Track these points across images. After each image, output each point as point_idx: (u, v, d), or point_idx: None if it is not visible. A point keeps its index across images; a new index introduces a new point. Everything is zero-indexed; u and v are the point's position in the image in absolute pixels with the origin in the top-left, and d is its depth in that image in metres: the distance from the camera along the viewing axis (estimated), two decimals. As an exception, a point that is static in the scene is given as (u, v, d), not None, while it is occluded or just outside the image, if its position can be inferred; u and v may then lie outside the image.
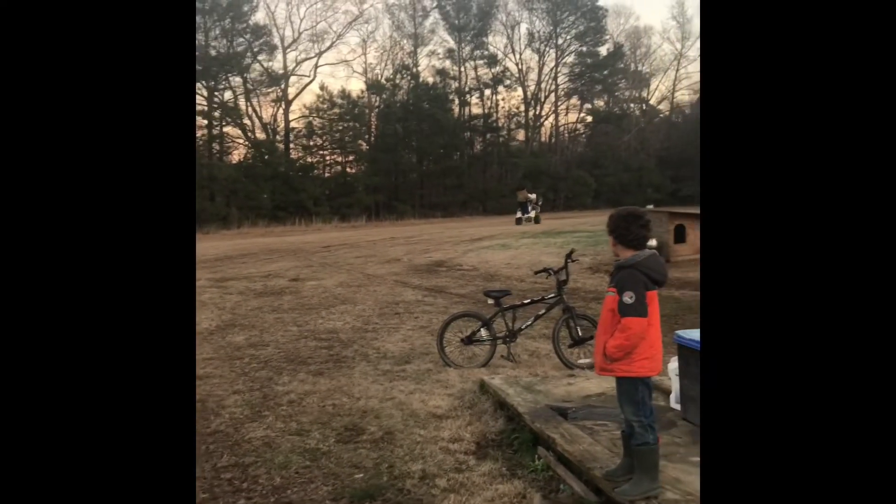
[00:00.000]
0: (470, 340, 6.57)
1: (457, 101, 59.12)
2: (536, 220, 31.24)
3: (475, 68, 60.50)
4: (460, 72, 60.15)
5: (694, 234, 15.32)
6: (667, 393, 4.77)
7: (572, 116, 66.00)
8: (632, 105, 66.83)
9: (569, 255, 6.61)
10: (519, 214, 31.96)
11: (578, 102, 65.28)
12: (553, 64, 62.97)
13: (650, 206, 41.91)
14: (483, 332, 6.52)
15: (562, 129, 65.84)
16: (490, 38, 61.22)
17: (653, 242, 14.81)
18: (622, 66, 64.18)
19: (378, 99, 56.19)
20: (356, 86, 58.04)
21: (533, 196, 33.26)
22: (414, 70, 57.49)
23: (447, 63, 59.78)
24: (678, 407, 4.46)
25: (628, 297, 3.15)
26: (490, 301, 6.68)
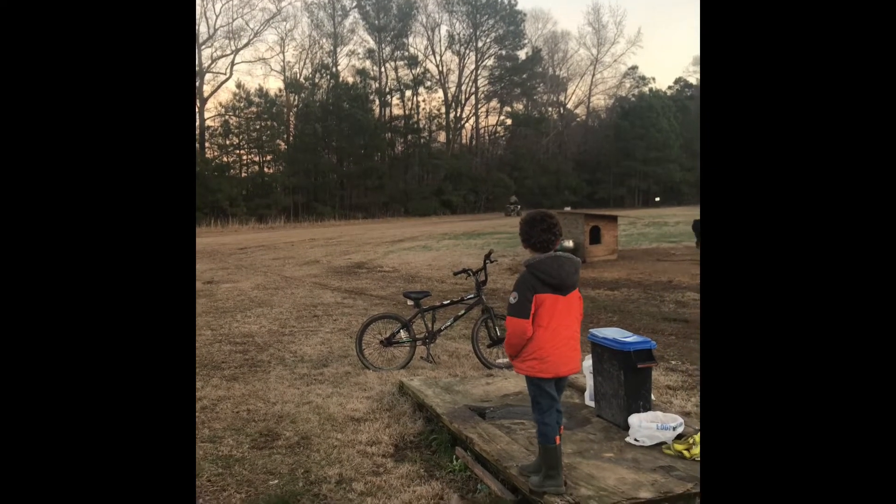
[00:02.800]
0: (389, 342, 6.54)
1: (377, 102, 58.92)
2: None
3: (396, 69, 60.49)
4: (381, 72, 59.98)
5: (609, 235, 15.77)
6: (582, 390, 4.88)
7: (492, 119, 66.98)
8: (550, 109, 68.33)
9: (487, 256, 6.68)
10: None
11: (498, 105, 66.26)
12: (473, 66, 63.72)
13: (567, 208, 43.11)
14: (402, 334, 6.50)
15: (482, 131, 66.69)
16: (410, 40, 61.43)
17: (569, 243, 15.18)
18: (540, 70, 65.57)
19: (297, 98, 55.34)
20: (274, 84, 57.12)
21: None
22: (333, 69, 56.96)
23: (367, 63, 59.54)
24: (592, 404, 4.57)
25: (512, 298, 3.29)
26: (409, 302, 6.66)
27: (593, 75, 68.87)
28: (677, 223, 26.37)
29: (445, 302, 6.80)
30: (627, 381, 4.14)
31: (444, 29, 62.96)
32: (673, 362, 6.36)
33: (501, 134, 67.63)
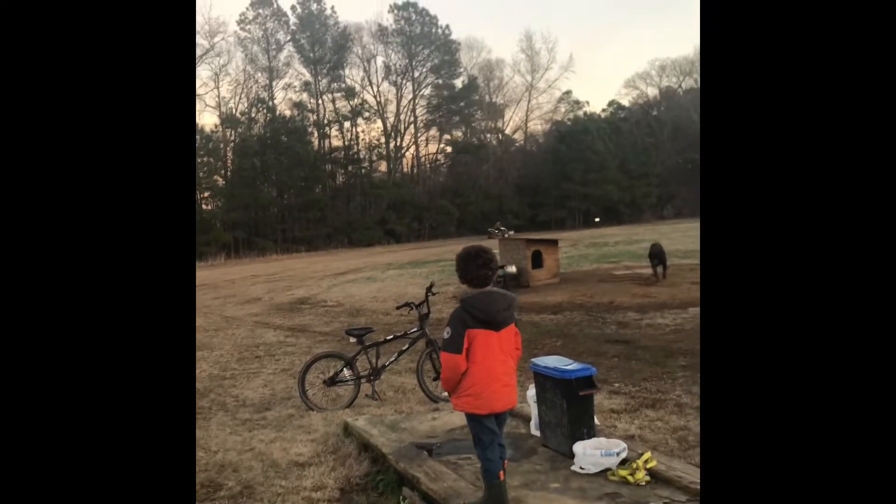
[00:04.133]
0: (333, 381, 6.44)
1: (316, 134, 58.79)
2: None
3: (333, 101, 60.53)
4: (318, 104, 59.95)
5: (550, 259, 15.98)
6: (528, 420, 4.89)
7: (432, 147, 67.54)
8: (488, 135, 69.36)
9: (429, 289, 6.68)
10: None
11: (437, 133, 66.94)
12: (411, 96, 64.27)
13: (511, 232, 43.68)
14: (346, 372, 6.42)
15: (423, 159, 67.10)
16: (347, 71, 61.68)
17: (512, 269, 15.33)
18: (477, 97, 66.61)
19: (233, 133, 54.78)
20: (209, 120, 56.19)
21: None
22: (270, 103, 56.65)
23: (304, 96, 59.45)
24: (538, 433, 4.59)
25: (446, 333, 3.33)
26: (352, 340, 6.60)
27: (529, 101, 70.37)
28: (617, 243, 26.94)
29: (389, 337, 6.75)
30: (570, 408, 4.17)
31: (379, 60, 63.42)
32: (616, 384, 6.44)
33: (442, 161, 68.21)
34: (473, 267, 3.35)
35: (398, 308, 7.09)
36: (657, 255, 14.93)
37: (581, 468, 3.93)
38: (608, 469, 3.85)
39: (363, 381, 6.43)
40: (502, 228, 45.22)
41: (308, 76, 59.76)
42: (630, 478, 3.70)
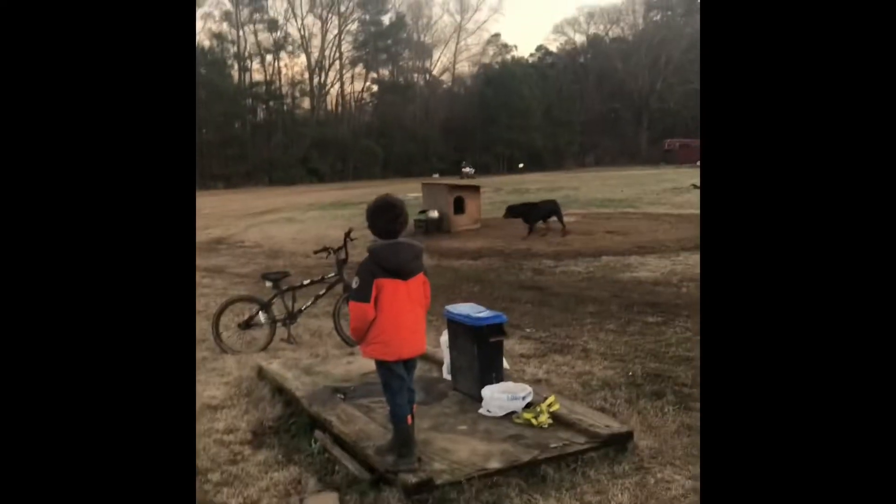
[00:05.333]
0: (248, 325, 6.41)
1: (236, 67, 56.50)
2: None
3: (255, 33, 58.13)
4: (239, 36, 57.46)
5: (472, 205, 16.15)
6: (441, 364, 5.04)
7: (358, 85, 66.09)
8: (415, 75, 68.33)
9: (347, 234, 6.65)
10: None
11: (363, 71, 65.44)
12: (336, 31, 62.36)
13: (436, 175, 43.50)
14: (261, 316, 6.39)
15: (348, 97, 65.67)
16: (270, 2, 59.10)
17: (434, 214, 15.42)
18: (405, 36, 65.33)
19: (147, 61, 51.91)
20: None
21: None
22: (187, 31, 53.78)
23: (224, 26, 56.80)
24: (450, 377, 4.74)
25: (354, 282, 3.41)
26: (268, 283, 6.55)
27: (457, 42, 69.62)
28: (538, 190, 27.38)
29: (306, 282, 6.73)
30: (480, 354, 4.33)
31: (304, -10, 61.02)
32: (528, 330, 6.67)
33: (368, 100, 67.00)
34: (382, 221, 3.40)
35: (316, 252, 7.05)
36: (549, 212, 14.61)
37: (488, 411, 4.10)
38: (514, 412, 4.04)
39: (279, 324, 6.42)
40: (473, 170, 44.80)
41: (229, 5, 57.14)
42: (534, 420, 3.90)
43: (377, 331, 3.38)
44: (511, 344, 5.80)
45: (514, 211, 14.82)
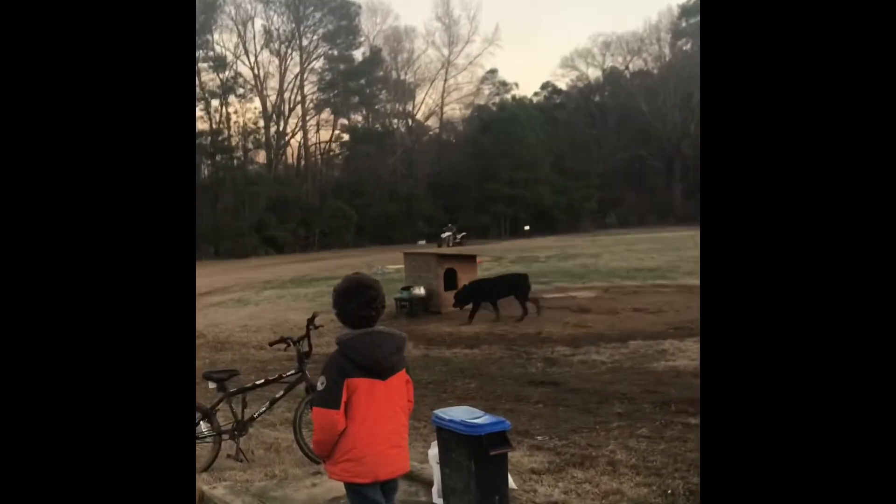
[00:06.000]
0: (186, 438, 6.33)
1: (175, 114, 57.33)
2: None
3: (198, 72, 59.25)
4: (179, 76, 58.54)
5: (467, 279, 16.18)
6: (429, 485, 4.96)
7: (325, 134, 67.09)
8: (395, 121, 69.49)
9: (311, 321, 6.63)
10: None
11: (332, 117, 66.53)
12: (298, 69, 63.68)
13: (422, 242, 43.65)
14: (203, 427, 6.32)
15: (313, 149, 66.56)
16: (217, 36, 60.55)
17: (420, 291, 15.45)
18: (381, 74, 66.70)
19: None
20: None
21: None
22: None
23: (161, 65, 57.91)
24: (441, 502, 4.67)
25: (320, 384, 3.33)
26: (211, 385, 6.50)
27: (445, 80, 71.07)
28: (549, 258, 27.58)
29: (259, 381, 6.69)
30: (479, 471, 4.27)
31: (258, 23, 62.64)
32: (539, 438, 6.62)
33: (337, 152, 67.97)
34: (353, 307, 3.38)
35: (272, 344, 7.03)
36: (508, 290, 14.57)
37: (490, 546, 4.03)
38: (522, 546, 3.97)
39: (225, 437, 6.34)
40: (450, 233, 44.86)
41: (166, 40, 58.43)
42: (548, 557, 3.83)
43: (348, 445, 3.28)
44: (518, 457, 5.74)
45: (461, 298, 14.78)
